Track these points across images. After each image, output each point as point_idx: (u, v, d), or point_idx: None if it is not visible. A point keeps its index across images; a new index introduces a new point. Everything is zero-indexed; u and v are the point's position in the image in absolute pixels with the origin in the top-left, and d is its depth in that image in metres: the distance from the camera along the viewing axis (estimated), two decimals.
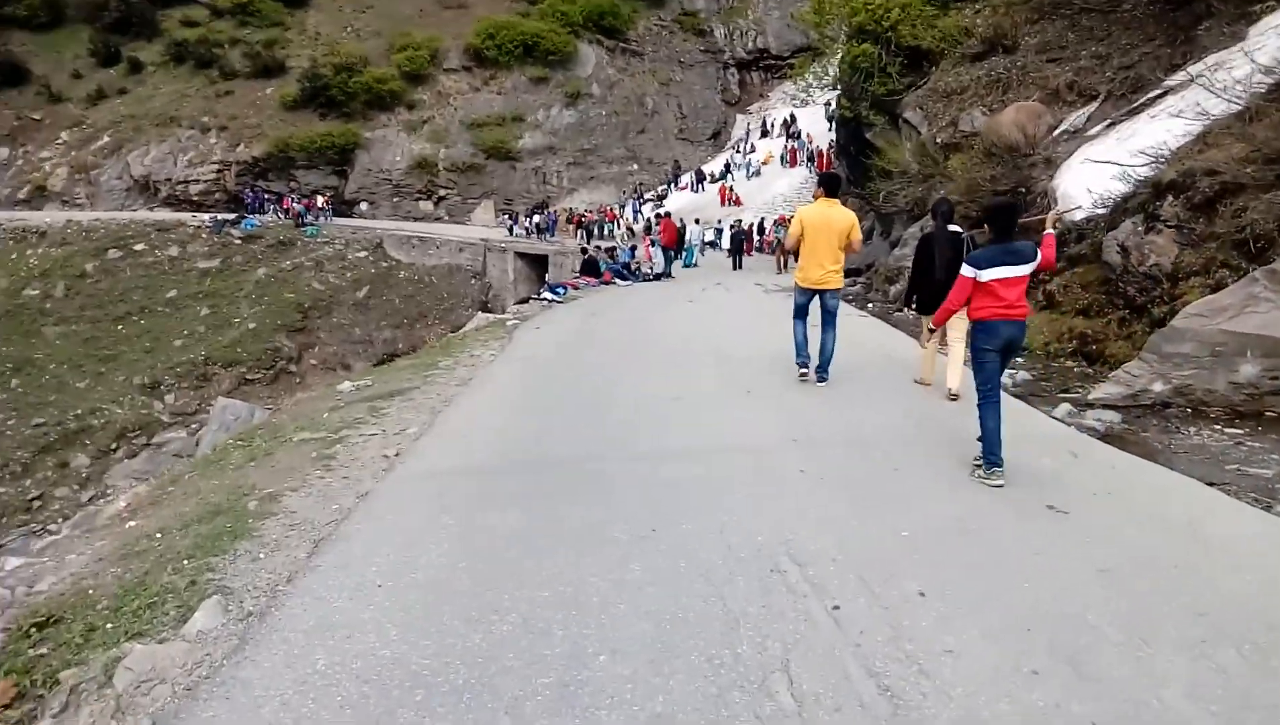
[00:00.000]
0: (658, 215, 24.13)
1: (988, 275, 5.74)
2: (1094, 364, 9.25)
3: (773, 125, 56.08)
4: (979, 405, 5.90)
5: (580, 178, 52.46)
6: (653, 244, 23.72)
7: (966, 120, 19.69)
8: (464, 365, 10.58)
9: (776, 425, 7.11)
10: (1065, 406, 7.60)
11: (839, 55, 26.13)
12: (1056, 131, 17.12)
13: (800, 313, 8.97)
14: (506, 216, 46.66)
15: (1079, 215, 12.39)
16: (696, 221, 33.52)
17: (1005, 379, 7.53)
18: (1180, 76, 14.90)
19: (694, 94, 59.53)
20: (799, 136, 51.62)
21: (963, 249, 8.17)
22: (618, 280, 21.84)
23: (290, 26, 55.07)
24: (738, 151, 54.59)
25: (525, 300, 18.78)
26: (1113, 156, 13.07)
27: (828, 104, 52.65)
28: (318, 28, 55.08)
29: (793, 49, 62.99)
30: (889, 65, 22.60)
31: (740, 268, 24.45)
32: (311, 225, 44.13)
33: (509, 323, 14.45)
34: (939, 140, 20.08)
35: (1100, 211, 11.52)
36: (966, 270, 5.88)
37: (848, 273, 23.85)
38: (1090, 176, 13.29)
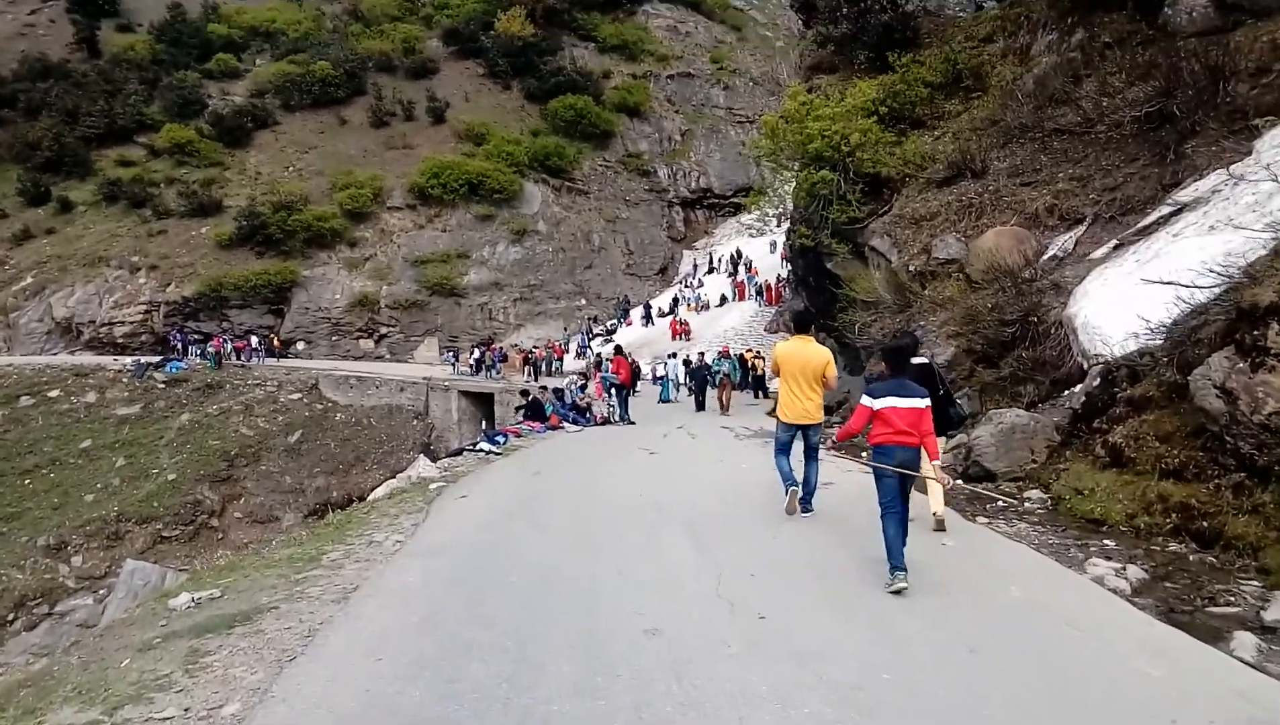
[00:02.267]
0: (615, 349, 21.43)
1: (880, 404, 6.46)
2: (1213, 548, 6.73)
3: (719, 261, 55.04)
4: (881, 517, 6.39)
5: (527, 313, 50.41)
6: (606, 384, 21.18)
7: (941, 247, 17.85)
8: (356, 558, 7.70)
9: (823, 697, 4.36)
10: (1246, 637, 4.93)
11: (792, 184, 24.56)
12: (1046, 256, 15.27)
13: (783, 449, 8.73)
14: (450, 353, 44.07)
15: (1118, 350, 10.18)
16: (673, 356, 31.35)
17: (1122, 582, 6.08)
18: (1191, 192, 13.13)
19: (640, 231, 58.59)
20: (748, 269, 50.40)
21: (933, 379, 8.09)
22: (566, 424, 19.18)
23: (230, 166, 53.21)
24: (686, 286, 53.17)
25: (458, 452, 15.91)
26: (1144, 279, 11.05)
27: (773, 243, 52.30)
28: (258, 167, 53.30)
29: (734, 188, 63.33)
30: (848, 192, 20.90)
31: (704, 408, 21.83)
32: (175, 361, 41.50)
33: (432, 486, 11.59)
34: (911, 268, 18.18)
35: (1154, 341, 9.27)
36: (865, 399, 6.64)
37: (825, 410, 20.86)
38: (1118, 301, 11.22)
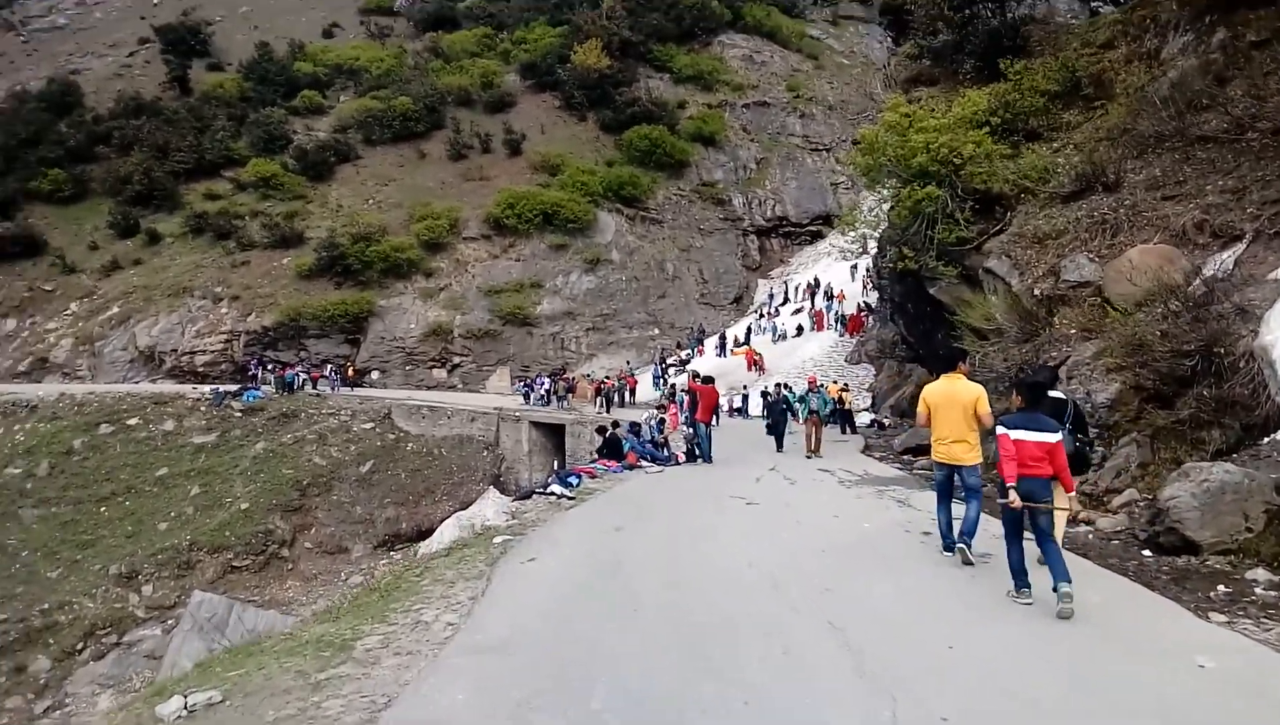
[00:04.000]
0: (704, 379, 18.86)
1: (1015, 435, 6.61)
2: None
3: (795, 289, 52.80)
4: (1006, 540, 6.73)
5: (599, 343, 48.77)
6: (685, 419, 19.10)
7: (1071, 268, 15.58)
8: (395, 649, 5.89)
9: None
10: None
11: (887, 204, 22.40)
12: (1201, 278, 12.90)
13: (942, 492, 8.47)
14: (521, 382, 42.61)
15: None
16: (780, 386, 29.19)
17: None
18: None
19: (714, 259, 56.68)
20: (829, 297, 48.05)
21: (1064, 416, 7.72)
22: (644, 463, 17.23)
23: (312, 199, 53.01)
24: (761, 316, 51.01)
25: (528, 494, 14.08)
26: None
27: (853, 269, 49.86)
28: (339, 200, 53.01)
29: (811, 216, 61.20)
30: (956, 210, 18.69)
31: (783, 449, 19.56)
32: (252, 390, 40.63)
33: (496, 540, 9.74)
34: (1037, 292, 15.91)
35: None
36: (1000, 430, 6.76)
37: (919, 450, 18.38)
38: None
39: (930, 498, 11.87)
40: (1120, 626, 5.73)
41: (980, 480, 8.32)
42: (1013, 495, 6.47)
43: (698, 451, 17.47)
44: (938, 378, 8.50)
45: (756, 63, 69.40)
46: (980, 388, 8.24)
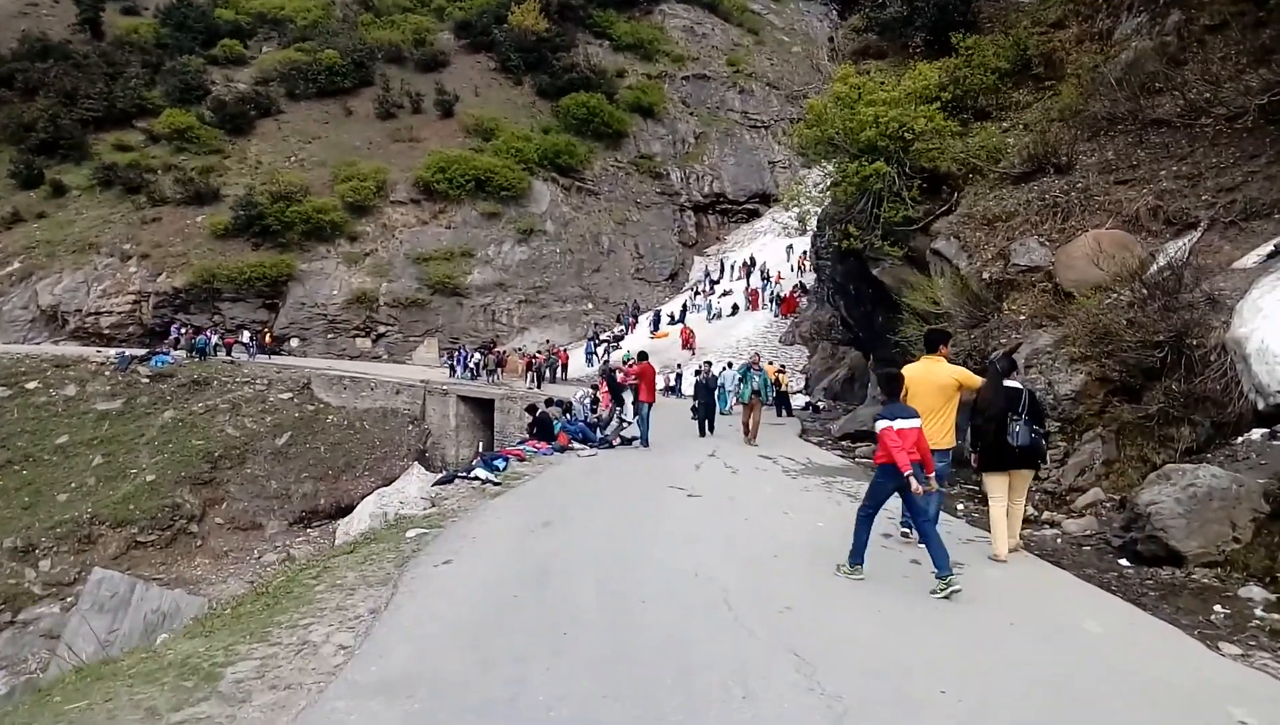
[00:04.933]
0: (639, 355, 17.46)
1: (898, 425, 6.75)
2: None
3: (731, 268, 52.17)
4: (858, 516, 6.95)
5: (532, 316, 47.43)
6: (615, 396, 18.02)
7: (1021, 252, 15.03)
8: (270, 682, 4.84)
9: None
10: None
11: (831, 180, 21.66)
12: (1168, 263, 12.40)
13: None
14: (448, 354, 41.09)
15: None
16: (730, 365, 28.50)
17: None
18: None
19: (651, 234, 55.65)
20: (765, 277, 47.54)
21: (1017, 404, 7.45)
22: (576, 445, 16.22)
23: (230, 154, 50.24)
24: (696, 294, 50.25)
25: (449, 478, 12.90)
26: None
27: (789, 246, 49.41)
28: (259, 156, 50.33)
29: (748, 194, 60.63)
30: (903, 189, 18.02)
31: (712, 432, 18.53)
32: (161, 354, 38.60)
33: (410, 533, 8.66)
34: (985, 276, 15.31)
35: None
36: (882, 423, 6.91)
37: (859, 437, 17.72)
38: None
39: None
40: (1133, 666, 4.95)
41: (950, 468, 8.29)
42: (915, 483, 6.53)
43: (626, 434, 16.53)
44: (919, 360, 8.41)
45: (697, 35, 68.30)
46: (962, 369, 8.30)
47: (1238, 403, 8.81)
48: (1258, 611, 5.98)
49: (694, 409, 19.72)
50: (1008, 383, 7.67)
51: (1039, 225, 15.47)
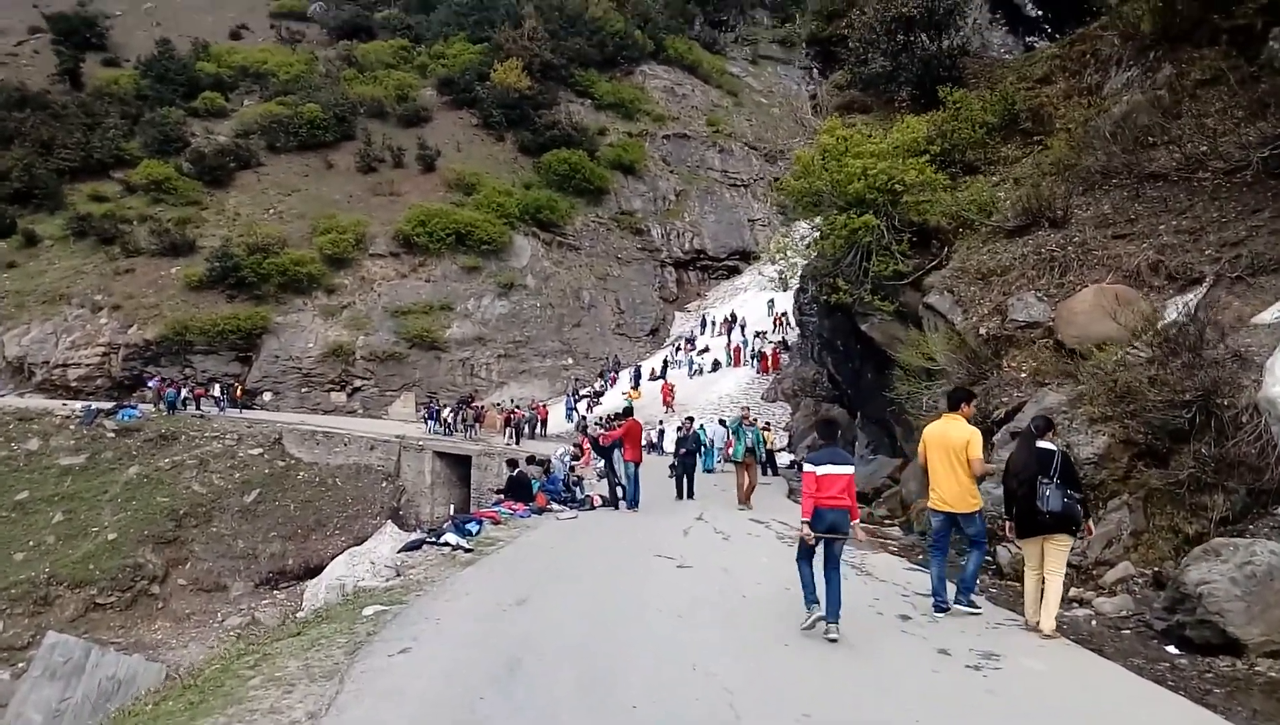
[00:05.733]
0: (625, 412, 16.30)
1: (821, 471, 6.88)
2: None
3: (712, 324, 51.62)
4: (797, 559, 7.02)
5: (511, 371, 46.46)
6: (600, 452, 17.01)
7: (1019, 307, 14.38)
8: None
9: None
10: None
11: (817, 234, 21.13)
12: (1187, 317, 11.77)
13: (938, 543, 8.00)
14: (425, 410, 39.92)
15: None
16: (722, 422, 27.61)
17: None
18: None
19: (632, 290, 55.11)
20: (745, 332, 47.06)
21: (1049, 467, 6.88)
22: (555, 507, 15.25)
23: (207, 206, 49.36)
24: (678, 350, 49.57)
25: (417, 544, 11.85)
26: None
27: (770, 302, 48.98)
28: (237, 208, 49.50)
29: (728, 251, 60.48)
30: (892, 242, 17.46)
31: (691, 496, 17.01)
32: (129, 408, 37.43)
33: (367, 611, 7.65)
34: (982, 331, 14.63)
35: None
36: (806, 467, 7.15)
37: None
38: None
39: (891, 564, 10.34)
40: None
41: (981, 529, 7.82)
42: (806, 530, 6.84)
43: (620, 494, 15.55)
44: (941, 418, 8.21)
45: (678, 95, 68.68)
46: (974, 430, 7.80)
47: (1275, 468, 8.04)
48: None
49: (672, 467, 18.38)
50: (1040, 444, 7.15)
51: (1035, 280, 14.87)
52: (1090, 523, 7.35)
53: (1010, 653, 6.12)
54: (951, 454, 7.64)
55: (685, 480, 17.51)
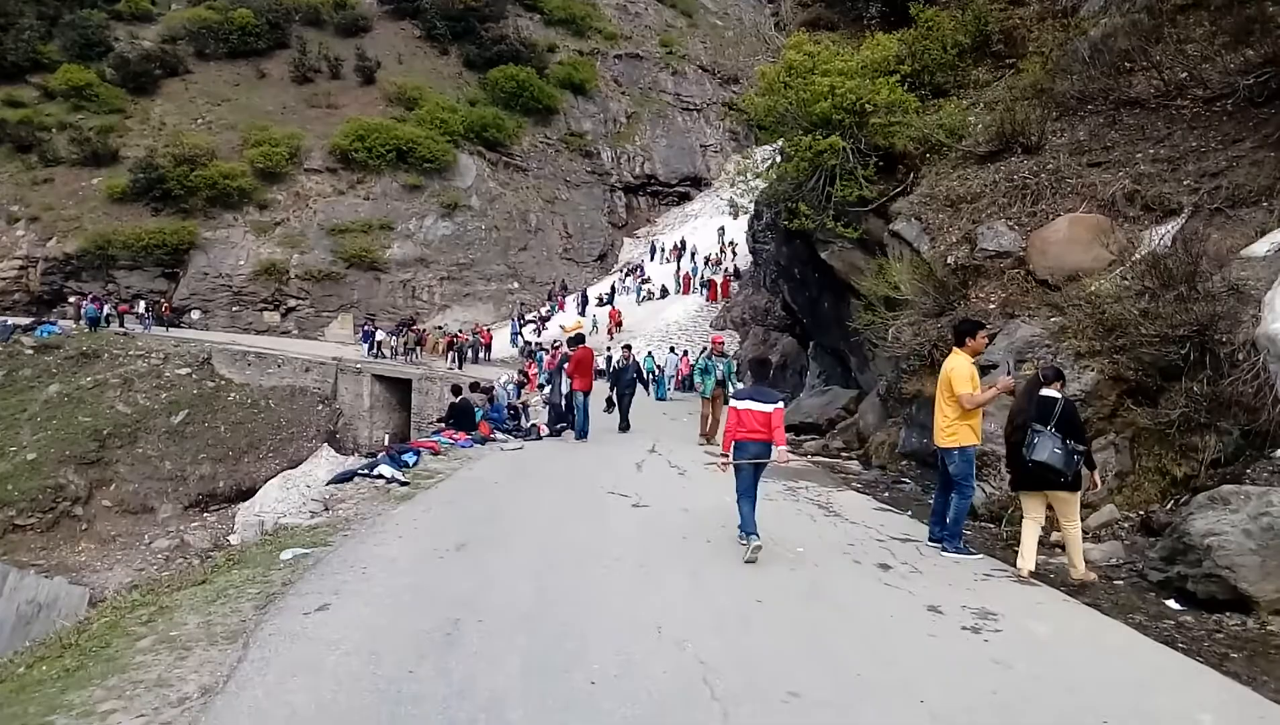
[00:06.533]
0: (577, 339, 15.07)
1: (742, 405, 7.20)
2: None
3: (662, 249, 50.58)
4: (737, 499, 7.15)
5: (454, 294, 44.99)
6: (548, 379, 16.10)
7: (989, 236, 13.68)
8: None
9: None
10: None
11: (778, 158, 20.22)
12: (1150, 251, 11.20)
13: (941, 481, 7.66)
14: (363, 331, 38.45)
15: None
16: (671, 350, 27.45)
17: None
18: None
19: (580, 214, 53.61)
20: (695, 259, 46.21)
21: (1048, 415, 6.46)
22: (500, 436, 14.38)
23: (132, 115, 46.33)
24: (626, 275, 48.55)
25: (348, 476, 10.88)
26: None
27: (720, 229, 48.10)
28: (163, 118, 46.53)
29: (680, 177, 59.14)
30: (857, 167, 16.61)
31: (628, 428, 15.95)
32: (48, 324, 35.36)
33: (284, 555, 6.76)
34: (950, 261, 13.93)
35: None
36: (731, 402, 7.50)
37: (804, 429, 16.37)
38: None
39: (859, 504, 9.72)
40: None
41: (963, 468, 7.25)
42: (727, 461, 7.22)
43: (567, 424, 14.70)
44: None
45: (630, 13, 66.35)
46: (958, 362, 7.30)
47: (1272, 409, 7.50)
48: None
49: (609, 400, 17.14)
50: (1045, 392, 6.69)
51: (1007, 208, 14.15)
52: (1096, 475, 6.82)
53: (1008, 611, 5.47)
54: (941, 387, 7.43)
55: (622, 411, 16.53)
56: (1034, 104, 15.81)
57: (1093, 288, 9.78)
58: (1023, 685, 4.35)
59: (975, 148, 15.60)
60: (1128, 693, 4.27)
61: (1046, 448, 6.30)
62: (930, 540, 7.56)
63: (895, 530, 8.02)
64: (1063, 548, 7.14)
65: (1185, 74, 14.31)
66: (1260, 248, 9.70)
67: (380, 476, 10.32)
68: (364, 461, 13.95)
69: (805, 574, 6.40)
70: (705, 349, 18.17)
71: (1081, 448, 6.40)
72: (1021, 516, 8.16)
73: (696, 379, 16.81)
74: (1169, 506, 7.86)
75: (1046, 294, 11.58)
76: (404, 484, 10.08)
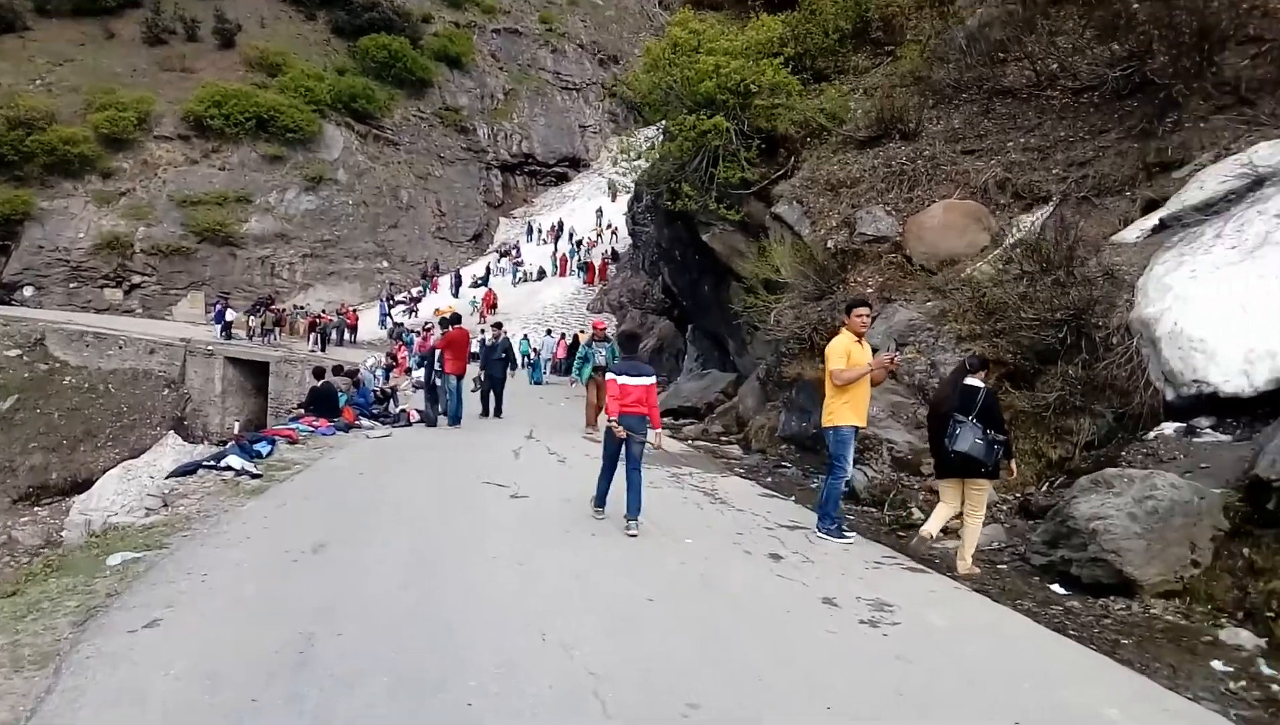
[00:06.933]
0: (453, 318, 14.05)
1: (621, 380, 7.28)
2: None
3: (539, 231, 49.76)
4: (601, 469, 7.50)
5: (318, 272, 42.91)
6: (419, 363, 15.25)
7: (868, 221, 13.83)
8: None
9: None
10: None
11: (661, 137, 19.94)
12: (1011, 241, 11.49)
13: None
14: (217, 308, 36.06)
15: None
16: (548, 332, 28.43)
17: None
18: (1231, 171, 9.45)
19: (455, 192, 52.04)
20: (576, 242, 45.68)
21: (970, 404, 6.37)
22: (364, 422, 13.54)
23: None
24: (503, 256, 47.52)
25: (192, 469, 9.88)
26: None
27: (599, 211, 47.72)
28: None
29: (558, 157, 58.34)
30: (740, 149, 16.51)
31: (500, 414, 15.57)
32: None
33: (112, 561, 5.95)
34: (830, 245, 13.98)
35: None
36: (609, 375, 7.50)
37: (682, 413, 16.33)
38: (1231, 303, 7.38)
39: (743, 489, 9.50)
40: None
41: (837, 448, 7.19)
42: (617, 428, 7.18)
43: (440, 409, 13.97)
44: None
45: None
46: (837, 338, 7.34)
47: (1144, 392, 7.65)
48: (1264, 668, 4.59)
49: (477, 381, 16.08)
50: (969, 381, 6.64)
51: (885, 193, 14.34)
52: (1013, 464, 6.78)
53: (902, 601, 5.28)
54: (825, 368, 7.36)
55: (494, 396, 15.91)
56: (912, 91, 16.09)
57: (969, 272, 9.81)
58: (928, 682, 4.12)
59: (855, 133, 15.76)
60: (1033, 687, 4.10)
61: (968, 438, 6.25)
62: (819, 528, 7.38)
63: (783, 517, 7.82)
64: (943, 530, 7.08)
65: (1056, 65, 14.81)
66: (1130, 234, 9.99)
67: (229, 468, 9.42)
68: (211, 451, 12.83)
69: (696, 567, 6.06)
70: (587, 333, 17.61)
71: (1002, 438, 6.36)
72: (903, 500, 8.11)
73: (575, 367, 16.25)
74: (1044, 488, 7.96)
75: (928, 278, 11.69)
76: (256, 476, 9.23)
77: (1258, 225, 8.12)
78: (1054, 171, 13.18)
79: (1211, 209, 9.11)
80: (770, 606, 5.24)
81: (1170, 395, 7.46)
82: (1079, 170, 12.90)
